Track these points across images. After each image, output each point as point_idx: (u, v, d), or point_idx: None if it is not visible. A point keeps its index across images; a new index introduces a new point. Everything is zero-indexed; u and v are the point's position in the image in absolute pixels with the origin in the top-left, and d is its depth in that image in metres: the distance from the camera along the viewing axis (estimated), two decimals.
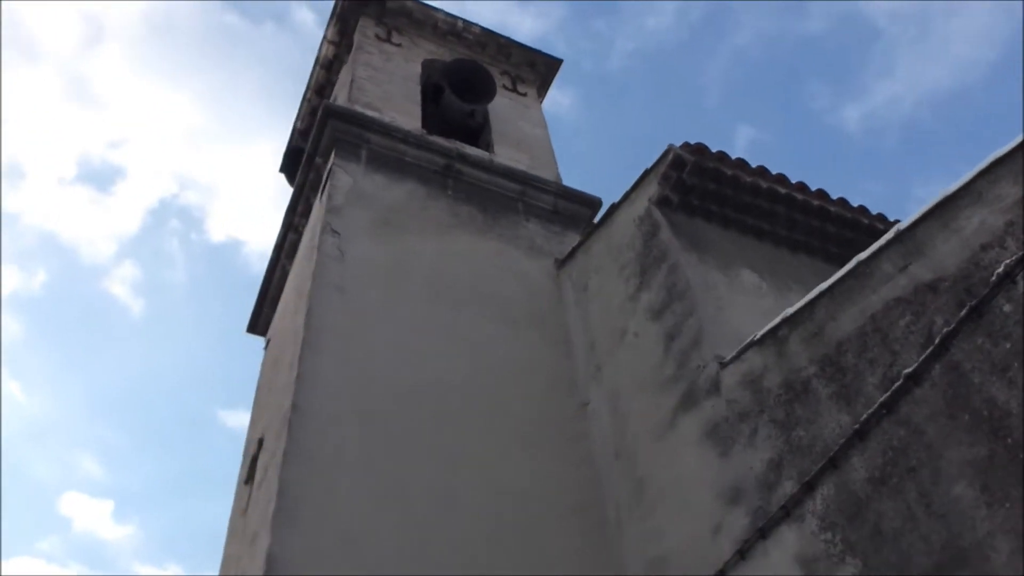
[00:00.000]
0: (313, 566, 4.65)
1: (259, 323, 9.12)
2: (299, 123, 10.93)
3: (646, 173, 6.65)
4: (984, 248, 3.75)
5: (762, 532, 4.47)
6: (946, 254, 3.93)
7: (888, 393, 3.97)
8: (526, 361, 6.68)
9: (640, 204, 6.68)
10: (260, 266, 31.53)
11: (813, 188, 6.62)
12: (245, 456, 6.98)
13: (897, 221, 6.16)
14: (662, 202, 6.47)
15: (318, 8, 32.17)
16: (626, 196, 6.90)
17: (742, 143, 28.75)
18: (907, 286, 4.09)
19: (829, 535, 4.10)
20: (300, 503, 4.92)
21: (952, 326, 3.76)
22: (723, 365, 5.18)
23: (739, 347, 5.13)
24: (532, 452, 6.02)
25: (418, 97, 9.10)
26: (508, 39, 10.60)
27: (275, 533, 4.70)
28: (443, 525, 5.21)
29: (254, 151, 31.41)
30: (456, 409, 6.00)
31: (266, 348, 8.64)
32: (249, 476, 6.57)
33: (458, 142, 8.34)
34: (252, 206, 31.65)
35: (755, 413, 4.81)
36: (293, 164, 11.11)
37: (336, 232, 6.83)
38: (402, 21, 10.21)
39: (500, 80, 10.01)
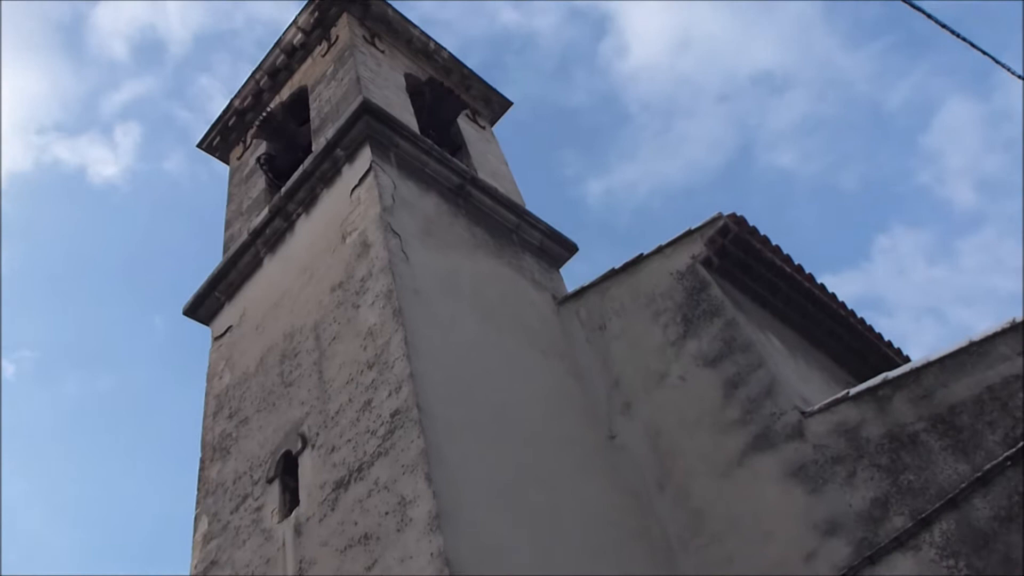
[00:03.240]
0: (488, 566, 4.62)
1: (202, 307, 8.38)
2: (239, 101, 10.28)
3: (689, 232, 7.33)
4: None
5: (871, 559, 5.21)
6: None
7: (1015, 448, 4.92)
8: (556, 390, 6.96)
9: (679, 259, 7.31)
10: None
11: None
12: (260, 455, 6.43)
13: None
14: (705, 262, 7.18)
15: None
16: (659, 249, 7.51)
17: None
18: None
19: (952, 562, 4.91)
20: (459, 508, 4.85)
21: None
22: (806, 415, 5.92)
23: (823, 401, 5.93)
24: (579, 478, 6.29)
25: (411, 108, 9.07)
26: (471, 71, 10.86)
27: (447, 537, 4.59)
28: (552, 543, 5.35)
29: None
30: (520, 430, 6.15)
31: (221, 337, 7.99)
32: (275, 475, 6.12)
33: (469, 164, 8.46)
34: None
35: (852, 458, 5.57)
36: (221, 141, 10.44)
37: (397, 234, 6.71)
38: (382, 28, 10.11)
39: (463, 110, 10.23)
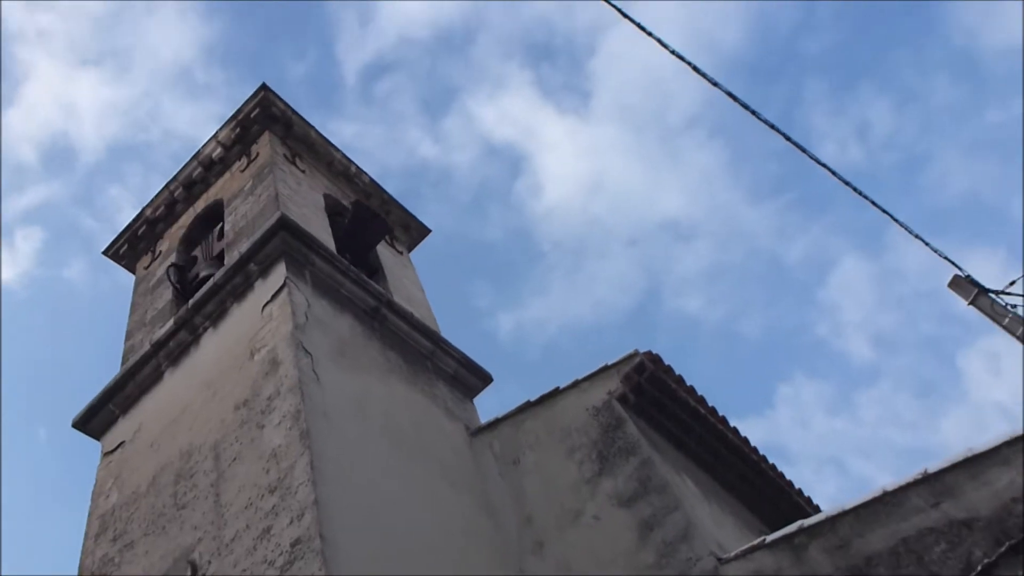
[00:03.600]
0: None
1: (94, 420, 7.81)
2: (151, 211, 9.99)
3: (606, 367, 7.31)
4: (1014, 501, 4.93)
5: None
6: (978, 500, 5.06)
7: None
8: (466, 525, 6.66)
9: (596, 395, 7.25)
10: None
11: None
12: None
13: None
14: (621, 399, 7.13)
15: None
16: (576, 383, 7.45)
17: None
18: (940, 519, 5.11)
19: None
20: None
21: (992, 558, 4.82)
22: (722, 561, 5.78)
23: (739, 548, 5.80)
24: None
25: (329, 227, 8.97)
26: (391, 196, 10.91)
27: None
28: None
29: None
30: (428, 566, 5.81)
31: (111, 452, 7.42)
32: None
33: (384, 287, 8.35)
34: None
35: None
36: (129, 249, 10.10)
37: (308, 353, 6.46)
38: (303, 148, 10.11)
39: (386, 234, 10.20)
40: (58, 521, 26.01)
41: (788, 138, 6.92)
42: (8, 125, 30.45)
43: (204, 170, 9.96)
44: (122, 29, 30.87)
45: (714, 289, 31.84)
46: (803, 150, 7.01)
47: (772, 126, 6.88)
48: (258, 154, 9.48)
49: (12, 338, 28.48)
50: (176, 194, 10.05)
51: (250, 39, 33.76)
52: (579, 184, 32.75)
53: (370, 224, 9.54)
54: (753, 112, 6.75)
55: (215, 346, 7.32)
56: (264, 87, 10.09)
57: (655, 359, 7.23)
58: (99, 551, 6.57)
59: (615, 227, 32.17)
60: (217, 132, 9.97)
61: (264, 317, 6.99)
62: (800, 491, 7.99)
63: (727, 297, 31.84)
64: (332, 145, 10.45)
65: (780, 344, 30.48)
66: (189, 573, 5.55)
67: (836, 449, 29.94)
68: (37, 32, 30.61)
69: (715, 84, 6.59)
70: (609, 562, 6.31)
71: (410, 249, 11.04)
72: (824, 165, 7.10)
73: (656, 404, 7.26)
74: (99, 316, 27.34)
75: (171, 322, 7.78)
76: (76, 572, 6.72)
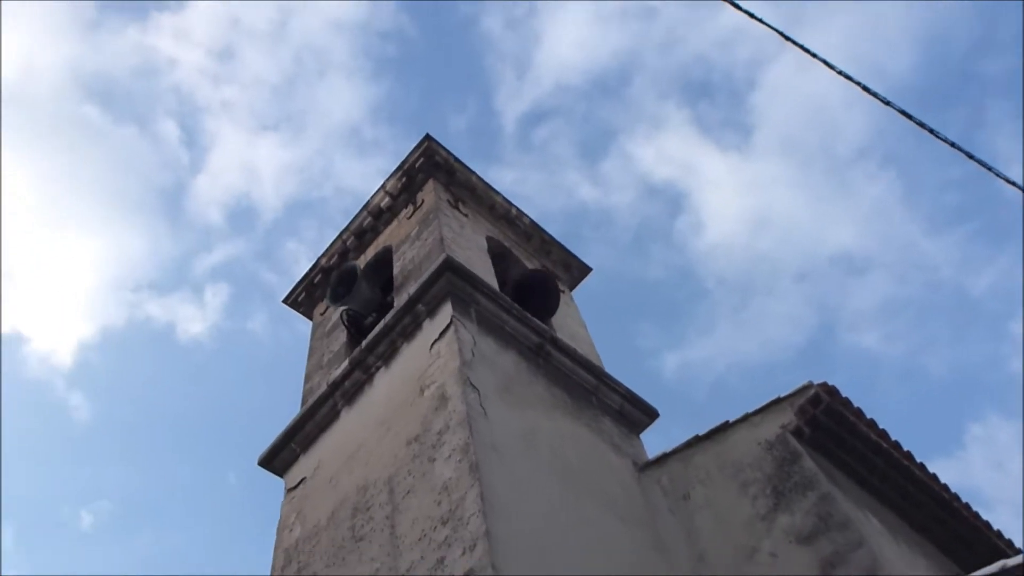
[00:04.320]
0: None
1: (277, 458, 8.28)
2: (326, 260, 10.60)
3: (778, 400, 7.05)
4: None
5: None
6: None
7: None
8: (637, 560, 6.52)
9: (768, 429, 6.99)
10: (39, 369, 28.66)
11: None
12: None
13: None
14: (796, 432, 6.84)
15: (183, 124, 31.83)
16: (746, 417, 7.21)
17: None
18: None
19: None
20: None
21: None
22: None
23: None
24: None
25: (492, 268, 9.20)
26: (551, 236, 11.08)
27: None
28: None
29: (74, 246, 29.32)
30: None
31: (294, 489, 7.83)
32: None
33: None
34: (50, 303, 29.09)
35: None
36: (306, 297, 10.69)
37: (476, 388, 6.60)
38: (466, 194, 10.46)
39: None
40: (251, 555, 27.56)
41: (972, 156, 6.50)
42: (198, 190, 33.23)
43: (373, 219, 10.49)
44: (297, 94, 33.21)
45: (893, 324, 30.09)
46: (989, 168, 6.57)
47: (954, 145, 6.50)
48: (423, 201, 9.89)
49: (202, 388, 30.69)
50: (348, 243, 10.63)
51: (413, 96, 35.46)
52: (743, 220, 32.01)
53: (547, 286, 9.63)
54: (932, 131, 6.40)
55: (387, 384, 7.62)
56: (427, 137, 10.55)
57: (831, 391, 6.90)
58: None
59: (783, 262, 31.13)
60: (385, 182, 10.49)
61: (432, 355, 7.21)
62: (999, 533, 7.34)
63: (908, 332, 29.99)
64: (493, 189, 10.76)
65: (969, 381, 28.31)
66: None
67: None
68: (221, 103, 33.41)
69: (887, 103, 6.32)
70: None
71: (572, 288, 11.12)
72: (1014, 183, 6.63)
73: (834, 438, 6.90)
74: (280, 363, 29.06)
75: (346, 363, 8.16)
76: None
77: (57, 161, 29.41)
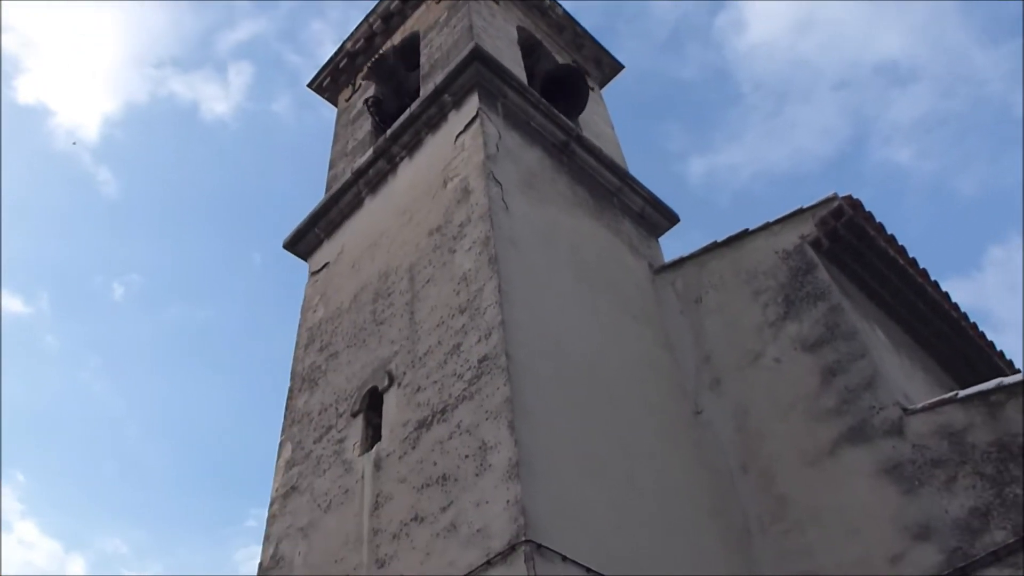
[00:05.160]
0: (563, 520, 4.55)
1: (302, 242, 8.48)
2: (352, 44, 10.33)
3: (800, 211, 7.03)
4: None
5: (964, 570, 4.92)
6: None
7: None
8: (644, 356, 6.79)
9: (787, 238, 7.03)
10: (64, 142, 28.88)
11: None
12: (347, 388, 6.46)
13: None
14: (814, 243, 6.88)
15: None
16: (767, 225, 7.23)
17: None
18: None
19: None
20: (539, 459, 4.76)
21: None
22: (908, 412, 5.62)
23: (928, 400, 5.62)
24: (661, 449, 6.13)
25: (521, 60, 8.94)
26: (584, 30, 10.65)
27: (525, 486, 4.52)
28: (628, 508, 5.22)
29: (93, 17, 28.66)
30: (606, 391, 6.01)
31: (318, 272, 8.08)
32: (359, 409, 6.15)
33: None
34: (73, 76, 28.84)
35: (954, 463, 5.27)
36: (331, 82, 10.52)
37: (498, 183, 6.61)
38: None
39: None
40: (275, 331, 28.86)
41: None
42: None
43: (401, 2, 10.08)
44: None
45: (931, 139, 29.32)
46: None
47: None
48: None
49: (228, 169, 30.90)
50: (375, 26, 10.28)
51: None
52: (787, 20, 30.43)
53: (573, 81, 9.33)
54: None
55: (411, 174, 7.64)
56: None
57: (855, 204, 6.86)
58: (308, 359, 7.28)
59: (824, 68, 29.91)
60: None
61: (457, 147, 7.17)
62: (1002, 353, 7.53)
63: (945, 148, 29.26)
64: None
65: (999, 201, 27.84)
66: (387, 382, 6.06)
67: None
68: None
69: None
70: (787, 405, 6.30)
71: (602, 86, 10.82)
72: None
73: (852, 251, 6.94)
74: (305, 148, 29.02)
75: (370, 152, 8.15)
76: (288, 378, 7.49)
77: None
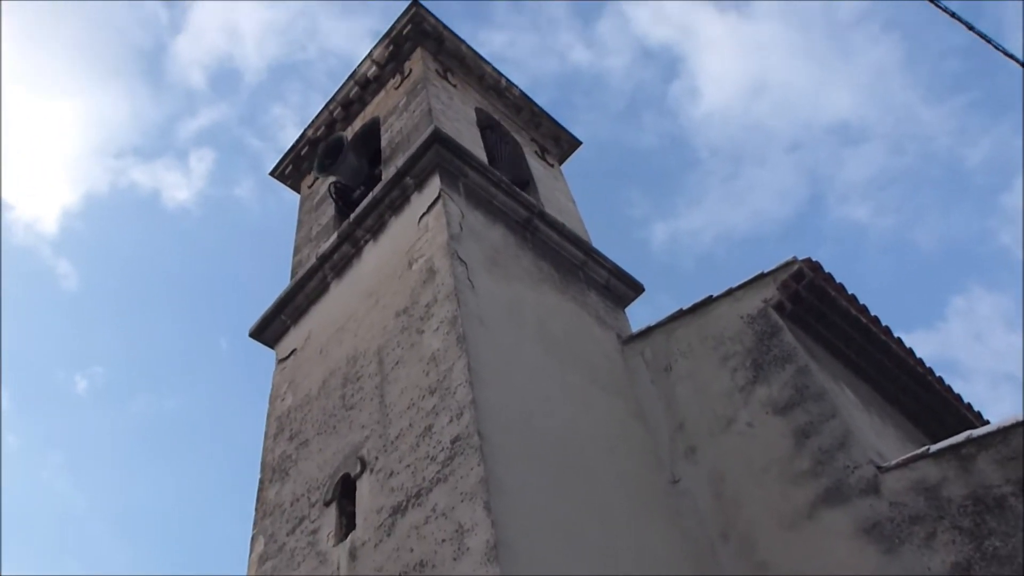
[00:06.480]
0: None
1: (268, 329, 8.42)
2: (312, 131, 10.45)
3: (762, 275, 7.15)
4: None
5: None
6: None
7: None
8: (617, 428, 6.78)
9: (751, 303, 7.12)
10: (22, 237, 28.68)
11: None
12: (319, 477, 6.36)
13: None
14: (777, 307, 6.98)
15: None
16: (730, 291, 7.33)
17: None
18: None
19: None
20: (517, 539, 4.69)
21: None
22: (882, 469, 5.64)
23: (901, 457, 5.65)
24: (640, 521, 6.07)
25: (480, 141, 9.10)
26: (541, 109, 10.91)
27: (504, 568, 4.44)
28: None
29: (52, 110, 28.76)
30: (581, 465, 5.98)
31: (285, 359, 8.01)
32: (332, 497, 6.03)
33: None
34: (32, 169, 28.81)
35: (932, 518, 5.27)
36: (293, 169, 10.62)
37: (463, 262, 6.67)
38: (455, 64, 10.23)
39: (530, 147, 10.26)
40: (243, 421, 28.36)
41: (971, 28, 6.37)
42: (177, 53, 32.26)
43: (360, 89, 10.28)
44: None
45: (885, 196, 30.07)
46: (988, 40, 6.45)
47: (953, 15, 6.36)
48: (411, 71, 9.67)
49: (191, 256, 30.79)
50: (335, 113, 10.46)
51: None
52: (739, 86, 31.38)
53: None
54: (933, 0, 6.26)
55: (376, 257, 7.68)
56: (415, 3, 10.21)
57: (815, 267, 7.00)
58: (278, 449, 7.16)
59: (777, 131, 30.76)
60: (371, 51, 10.22)
61: (421, 228, 7.24)
62: (969, 405, 7.62)
63: (899, 204, 30.01)
64: (483, 59, 10.51)
65: (957, 254, 28.56)
66: (359, 468, 5.97)
67: (1015, 366, 28.02)
68: None
69: None
70: (763, 469, 6.29)
71: (561, 161, 11.04)
72: (1012, 57, 6.52)
73: (815, 313, 7.05)
74: (268, 231, 29.08)
75: (335, 236, 8.19)
76: (259, 469, 7.34)
77: (30, 20, 28.43)
